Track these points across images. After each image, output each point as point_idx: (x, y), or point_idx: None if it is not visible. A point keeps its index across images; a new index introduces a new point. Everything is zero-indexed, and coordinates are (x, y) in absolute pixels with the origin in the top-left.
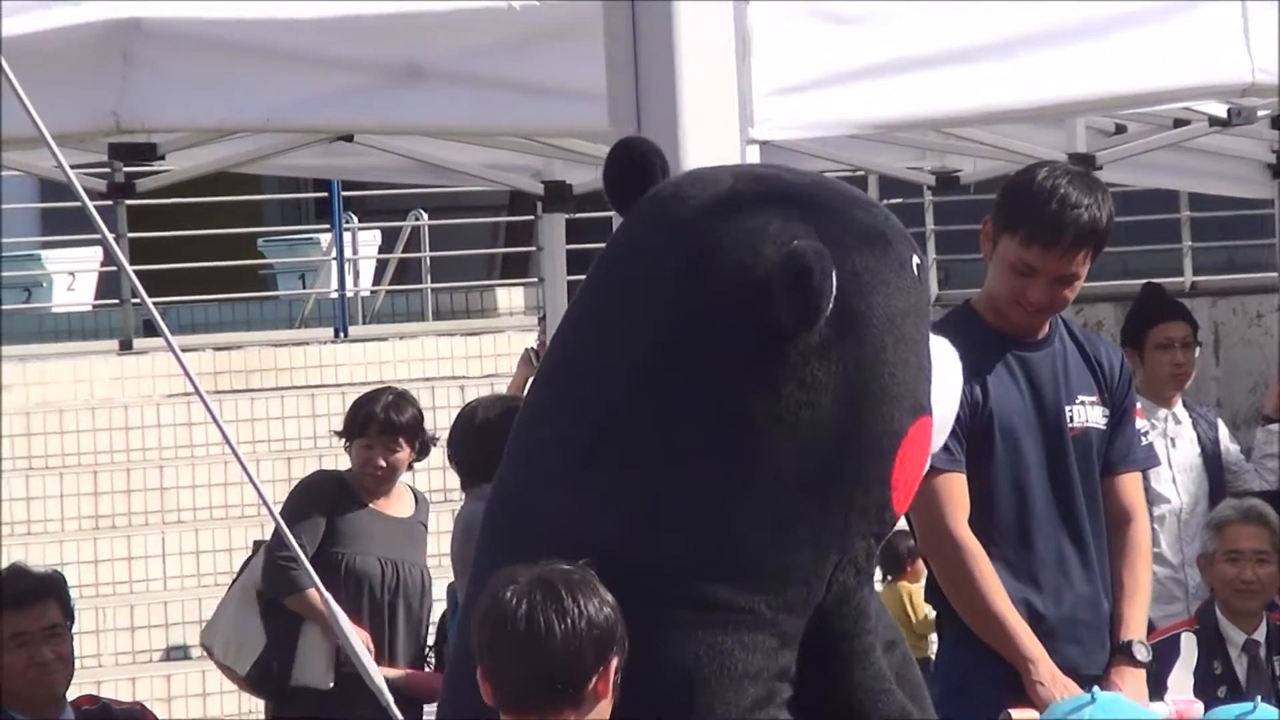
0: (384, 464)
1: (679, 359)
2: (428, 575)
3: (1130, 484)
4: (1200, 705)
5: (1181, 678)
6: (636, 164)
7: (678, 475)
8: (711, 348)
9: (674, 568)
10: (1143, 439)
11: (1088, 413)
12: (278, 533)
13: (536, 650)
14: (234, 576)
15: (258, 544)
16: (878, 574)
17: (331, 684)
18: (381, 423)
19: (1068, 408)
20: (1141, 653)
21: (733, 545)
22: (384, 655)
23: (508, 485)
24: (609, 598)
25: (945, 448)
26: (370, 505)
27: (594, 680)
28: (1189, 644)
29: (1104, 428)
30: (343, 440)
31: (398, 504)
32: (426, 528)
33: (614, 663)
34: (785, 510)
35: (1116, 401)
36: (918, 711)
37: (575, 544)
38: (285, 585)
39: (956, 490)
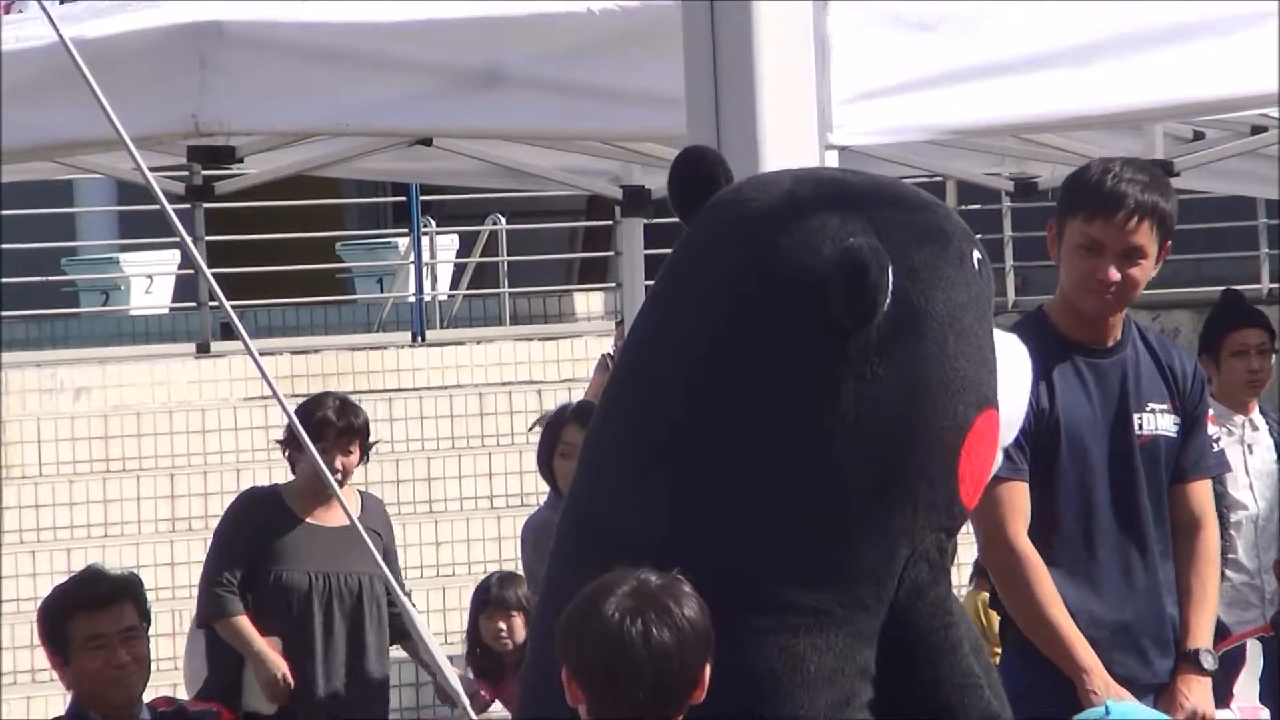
0: (340, 467)
1: (740, 359)
2: (376, 581)
3: (1201, 491)
4: (1266, 712)
5: (1247, 685)
6: (701, 172)
7: (740, 476)
8: (772, 347)
9: (740, 570)
10: (1214, 445)
11: (1158, 420)
12: (210, 560)
13: (653, 667)
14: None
15: None
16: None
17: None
18: (338, 428)
19: (1137, 415)
20: (1208, 661)
21: (799, 544)
22: (315, 672)
23: (579, 492)
24: (701, 600)
25: (1008, 456)
26: (305, 519)
27: (697, 685)
28: (1254, 651)
29: (1174, 435)
30: (283, 451)
31: (336, 513)
32: (381, 534)
33: (708, 667)
34: (850, 507)
35: (1189, 409)
36: (1005, 710)
37: (643, 550)
38: (214, 611)
39: (1018, 499)
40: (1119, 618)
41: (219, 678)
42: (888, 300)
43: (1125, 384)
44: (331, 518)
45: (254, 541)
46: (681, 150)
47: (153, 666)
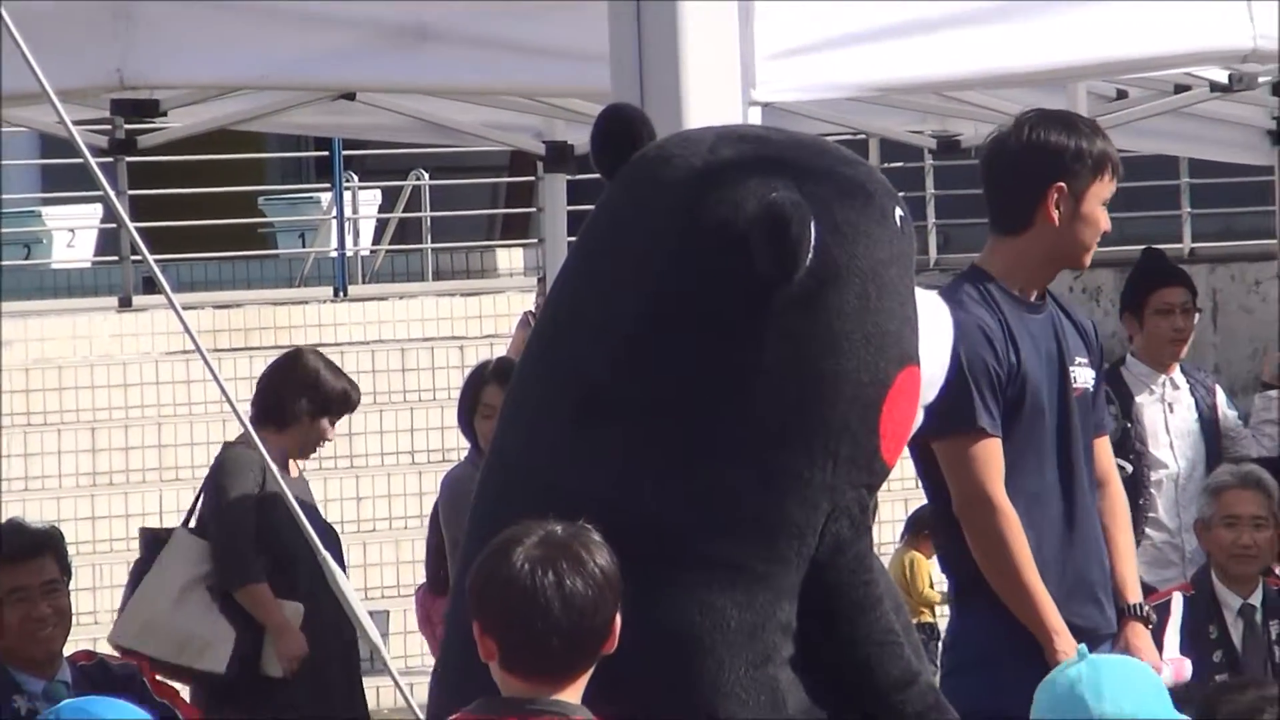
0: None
1: (663, 315)
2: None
3: (1105, 446)
4: (1189, 663)
5: (1172, 637)
6: (623, 130)
7: (663, 431)
8: (695, 302)
9: (662, 525)
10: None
11: (1084, 374)
12: (224, 524)
13: (566, 616)
14: (134, 571)
15: (145, 531)
16: (897, 532)
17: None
18: (352, 404)
19: (1070, 369)
20: (1148, 612)
21: (719, 499)
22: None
23: (502, 447)
24: (609, 550)
25: (988, 411)
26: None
27: (607, 635)
28: (1178, 603)
29: (1093, 390)
30: (307, 414)
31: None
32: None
33: (618, 617)
34: (771, 462)
35: (1098, 365)
36: (925, 668)
37: (567, 503)
38: (243, 575)
39: (993, 454)
40: (1075, 570)
41: (248, 642)
42: (810, 254)
43: (1059, 337)
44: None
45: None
46: (604, 108)
47: (74, 620)
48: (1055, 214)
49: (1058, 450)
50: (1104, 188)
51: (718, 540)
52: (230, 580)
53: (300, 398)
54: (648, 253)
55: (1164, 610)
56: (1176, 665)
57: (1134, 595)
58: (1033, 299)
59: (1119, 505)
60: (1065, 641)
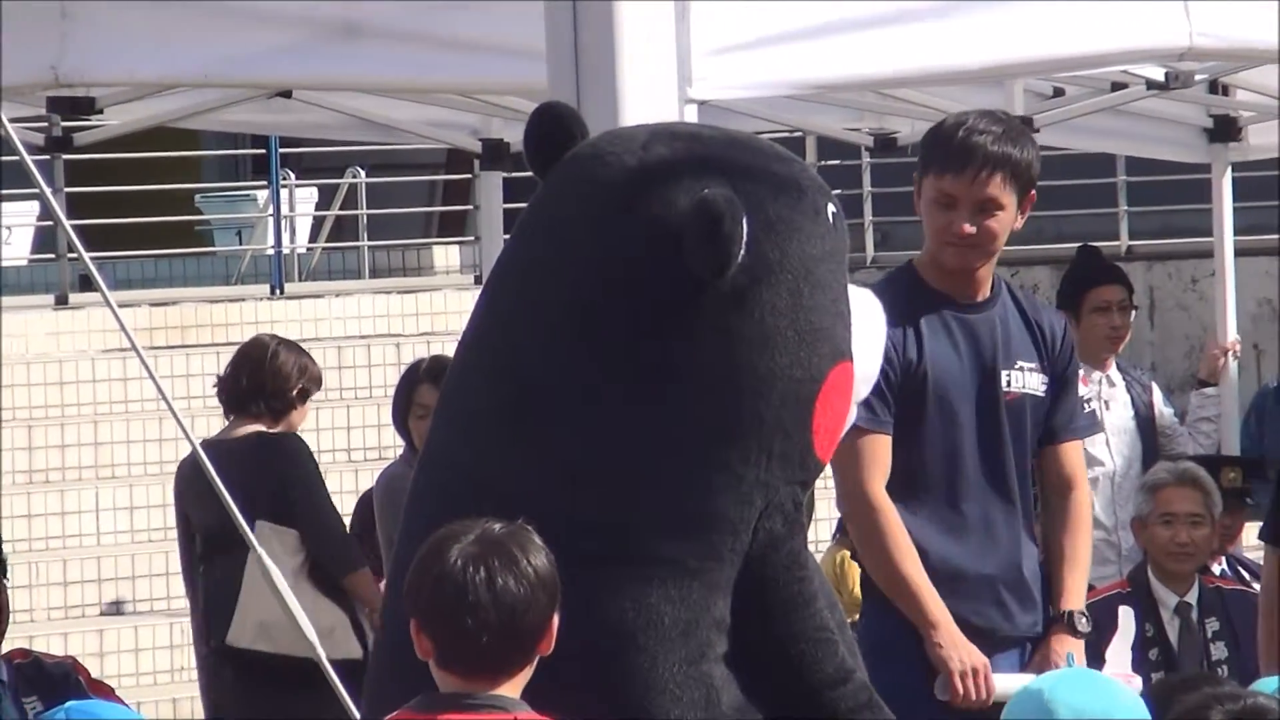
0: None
1: (597, 313)
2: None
3: (1072, 452)
4: (1139, 679)
5: (1120, 651)
6: (556, 128)
7: (597, 429)
8: (628, 301)
9: (596, 522)
10: (1085, 406)
11: (1026, 379)
12: (326, 511)
13: (498, 614)
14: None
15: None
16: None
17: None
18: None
19: (1005, 372)
20: (1082, 623)
21: (653, 497)
22: None
23: (435, 444)
24: (548, 551)
25: (870, 407)
26: None
27: (543, 636)
28: (1126, 617)
29: (1042, 395)
30: (298, 399)
31: None
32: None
33: (555, 618)
34: (705, 458)
35: (1059, 370)
36: (859, 666)
37: (502, 501)
38: (357, 560)
39: (878, 451)
40: (981, 570)
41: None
42: (742, 251)
43: (994, 340)
44: None
45: None
46: (537, 106)
47: (10, 619)
48: (919, 206)
49: (980, 453)
50: (931, 185)
51: (651, 538)
52: (342, 567)
53: (296, 384)
54: (581, 250)
55: (1107, 616)
56: (1123, 681)
57: (1068, 604)
58: (971, 298)
59: (1074, 512)
60: (944, 634)
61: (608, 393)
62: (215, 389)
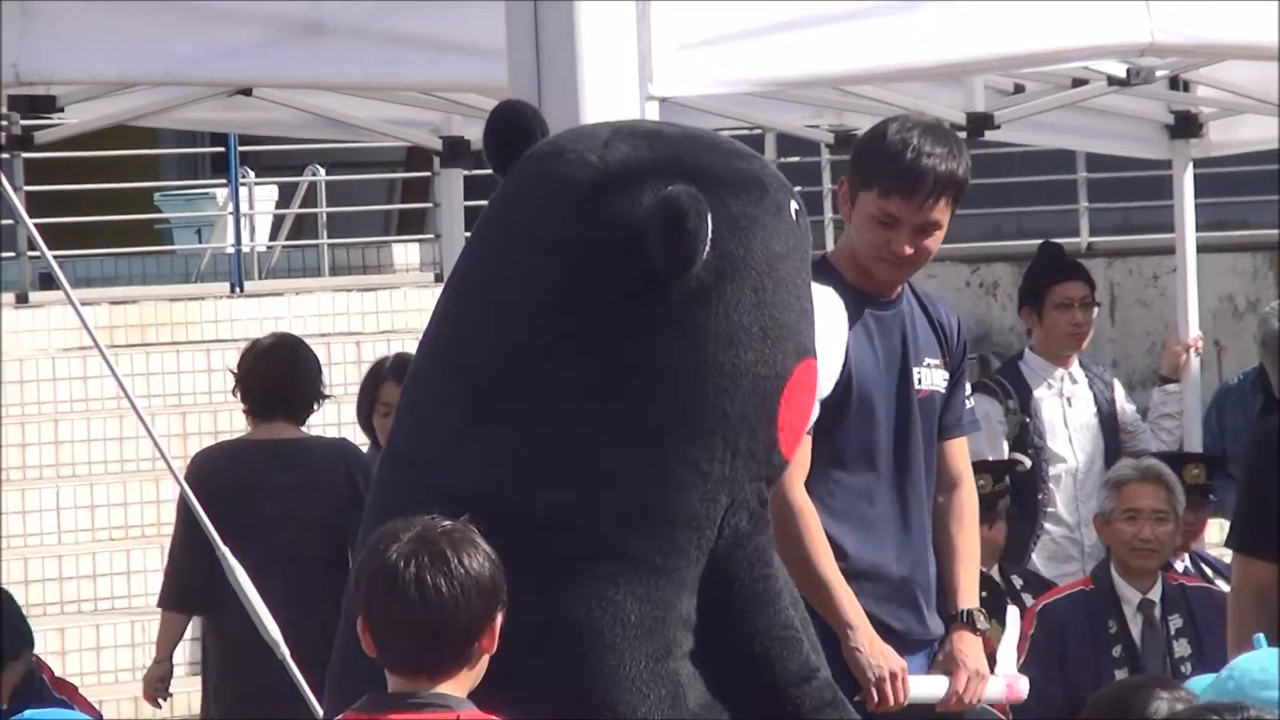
0: None
1: (559, 310)
2: None
3: (960, 448)
4: (1026, 681)
5: (1008, 653)
6: (516, 126)
7: (560, 426)
8: (591, 298)
9: (561, 520)
10: (967, 403)
11: (933, 376)
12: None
13: (425, 612)
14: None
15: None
16: None
17: None
18: None
19: (916, 370)
20: (980, 621)
21: (619, 493)
22: None
23: (395, 443)
24: (490, 551)
25: None
26: None
27: (481, 638)
28: (1013, 618)
29: (944, 391)
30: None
31: None
32: None
33: (498, 618)
34: (670, 456)
35: (955, 365)
36: (823, 664)
37: (462, 499)
38: None
39: (800, 452)
40: (899, 572)
41: None
42: (707, 247)
43: (905, 338)
44: None
45: None
46: (496, 104)
47: None
48: (847, 210)
49: (894, 451)
50: (872, 202)
51: (616, 535)
52: None
53: (316, 386)
54: (543, 247)
55: (1072, 619)
56: (1011, 682)
57: (965, 602)
58: (883, 295)
59: (967, 508)
60: (861, 637)
61: (566, 391)
62: (241, 387)
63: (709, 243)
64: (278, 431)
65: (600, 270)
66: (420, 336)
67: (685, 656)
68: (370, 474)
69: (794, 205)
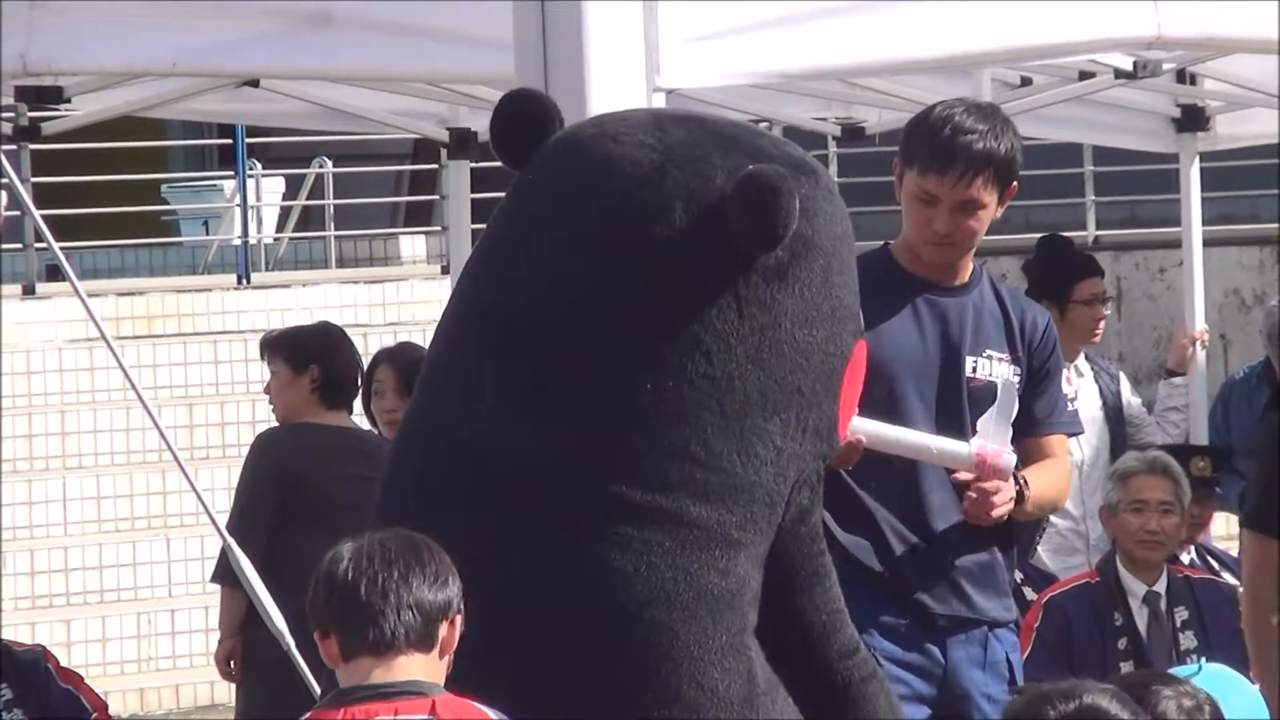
0: None
1: (640, 289)
2: None
3: (1052, 445)
4: (1010, 456)
5: (996, 425)
6: (534, 115)
7: (643, 404)
8: (675, 274)
9: (644, 490)
10: (1069, 405)
11: (994, 367)
12: None
13: (369, 628)
14: None
15: None
16: None
17: None
18: None
19: (971, 358)
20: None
21: (700, 466)
22: None
23: (421, 418)
24: (440, 566)
25: None
26: None
27: (435, 648)
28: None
29: (1019, 386)
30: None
31: None
32: None
33: (457, 621)
34: (750, 430)
35: (1037, 364)
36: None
37: (543, 474)
38: None
39: None
40: (933, 556)
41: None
42: (793, 224)
43: (964, 325)
44: None
45: None
46: (507, 92)
47: None
48: (899, 188)
49: (939, 434)
50: (913, 181)
51: (696, 505)
52: None
53: (359, 375)
54: (609, 226)
55: (1079, 612)
56: (992, 453)
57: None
58: (947, 282)
59: (1050, 461)
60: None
61: (649, 364)
62: (321, 380)
63: (796, 219)
64: (339, 419)
65: (681, 247)
66: (427, 328)
67: (752, 629)
68: None
69: (836, 190)
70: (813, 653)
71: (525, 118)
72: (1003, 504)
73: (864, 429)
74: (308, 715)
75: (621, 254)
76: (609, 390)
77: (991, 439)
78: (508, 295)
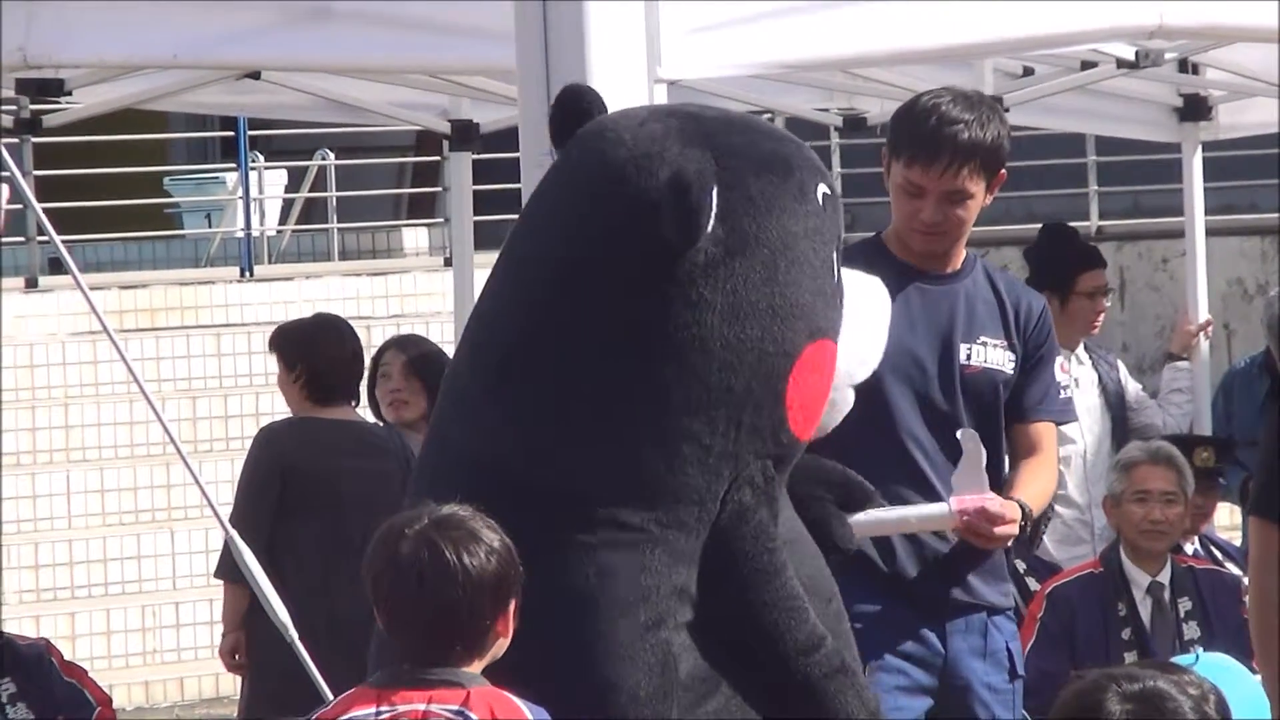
0: None
1: (571, 280)
2: None
3: (1042, 430)
4: (992, 501)
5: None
6: (573, 109)
7: (571, 396)
8: (601, 267)
9: (562, 488)
10: (1061, 392)
11: (988, 353)
12: None
13: (429, 606)
14: None
15: None
16: None
17: None
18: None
19: (964, 345)
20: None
21: (622, 464)
22: None
23: (434, 422)
24: (496, 543)
25: None
26: None
27: (493, 626)
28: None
29: (1010, 372)
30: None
31: None
32: None
33: (512, 605)
34: (673, 428)
35: (1030, 350)
36: (831, 637)
37: (482, 469)
38: None
39: None
40: (920, 545)
41: None
42: (711, 220)
43: (955, 312)
44: None
45: None
46: (563, 87)
47: None
48: (888, 182)
49: (931, 423)
50: (899, 171)
51: (615, 504)
52: None
53: (362, 366)
54: (564, 222)
55: (1079, 592)
56: (968, 501)
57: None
58: (938, 270)
59: (1035, 460)
60: None
61: (578, 360)
62: (306, 378)
63: (718, 218)
64: (342, 413)
65: (611, 242)
66: (430, 320)
67: (680, 627)
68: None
69: (823, 189)
70: (768, 650)
71: (564, 111)
72: (1010, 535)
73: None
74: (351, 691)
75: (566, 249)
76: (537, 387)
77: (968, 490)
78: (491, 288)
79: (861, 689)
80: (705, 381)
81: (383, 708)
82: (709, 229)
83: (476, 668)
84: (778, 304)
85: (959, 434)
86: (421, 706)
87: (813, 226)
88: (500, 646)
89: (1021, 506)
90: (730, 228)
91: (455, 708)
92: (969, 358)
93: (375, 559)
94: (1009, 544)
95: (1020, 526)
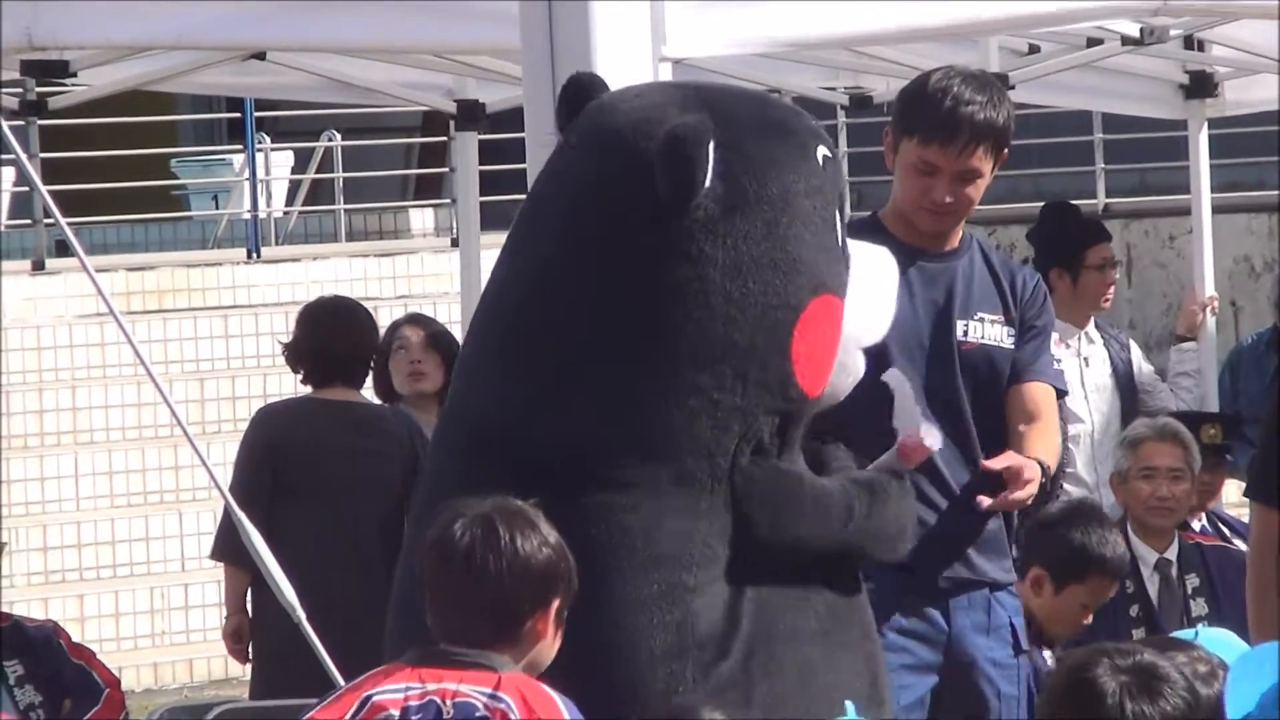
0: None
1: (575, 242)
2: None
3: (1036, 390)
4: (931, 435)
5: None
6: (580, 95)
7: (575, 355)
8: (603, 228)
9: (573, 447)
10: (1055, 363)
11: (986, 329)
12: None
13: (472, 588)
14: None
15: None
16: None
17: None
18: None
19: (962, 321)
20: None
21: (629, 421)
22: None
23: (451, 398)
24: (551, 537)
25: None
26: None
27: (531, 620)
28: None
29: (1009, 347)
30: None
31: None
32: None
33: (556, 603)
34: (681, 383)
35: (1026, 320)
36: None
37: (490, 433)
38: None
39: None
40: (948, 518)
41: None
42: (707, 177)
43: (953, 290)
44: None
45: None
46: (570, 75)
47: None
48: (891, 160)
49: (931, 400)
50: (913, 151)
51: (626, 462)
52: None
53: (372, 348)
54: (571, 186)
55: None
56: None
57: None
58: (936, 248)
59: (1039, 424)
60: None
61: (582, 320)
62: (299, 350)
63: (716, 175)
64: (340, 394)
65: (612, 203)
66: (437, 301)
67: (697, 586)
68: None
69: (823, 151)
70: (825, 550)
71: (570, 98)
72: (1032, 494)
73: None
74: (385, 666)
75: (568, 214)
76: (547, 350)
77: (908, 427)
78: (502, 259)
79: (901, 497)
80: (710, 336)
81: (413, 684)
82: (707, 185)
83: (510, 657)
84: (779, 258)
85: (884, 376)
86: (453, 686)
87: (814, 185)
88: (540, 652)
89: (1041, 465)
90: (730, 185)
91: (488, 690)
92: (965, 334)
93: (433, 531)
94: (1029, 502)
95: (1040, 484)
